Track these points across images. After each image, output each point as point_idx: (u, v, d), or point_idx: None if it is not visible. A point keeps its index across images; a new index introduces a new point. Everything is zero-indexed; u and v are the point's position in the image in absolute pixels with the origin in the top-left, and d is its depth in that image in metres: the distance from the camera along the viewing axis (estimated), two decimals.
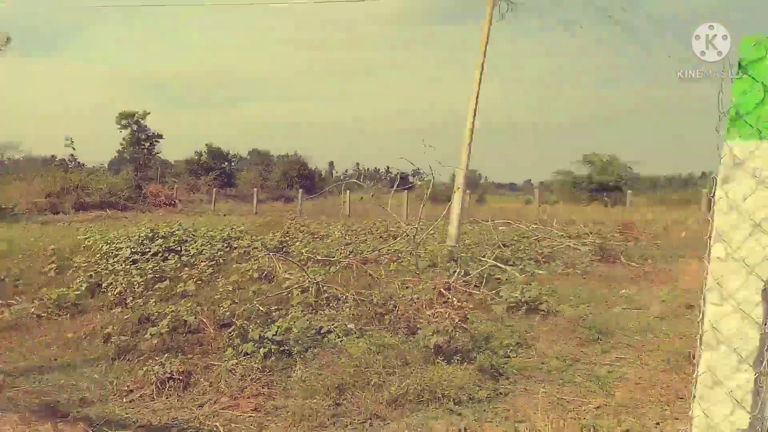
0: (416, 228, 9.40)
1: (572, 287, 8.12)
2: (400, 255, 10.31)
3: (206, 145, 54.52)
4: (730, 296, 1.65)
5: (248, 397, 4.27)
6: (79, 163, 39.80)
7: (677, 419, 3.33)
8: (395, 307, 6.47)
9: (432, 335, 5.15)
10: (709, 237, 1.71)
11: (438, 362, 4.81)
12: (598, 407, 3.75)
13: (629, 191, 28.67)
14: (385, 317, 6.19)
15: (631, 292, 8.10)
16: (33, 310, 6.56)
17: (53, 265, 8.89)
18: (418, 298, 6.61)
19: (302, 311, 6.22)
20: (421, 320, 5.90)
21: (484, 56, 11.85)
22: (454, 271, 8.40)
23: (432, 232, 12.48)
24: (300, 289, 7.26)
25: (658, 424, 3.42)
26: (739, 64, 1.62)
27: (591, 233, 13.56)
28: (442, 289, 7.13)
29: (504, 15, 11.82)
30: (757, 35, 1.60)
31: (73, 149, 38.56)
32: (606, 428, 3.42)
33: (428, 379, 4.35)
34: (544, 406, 3.86)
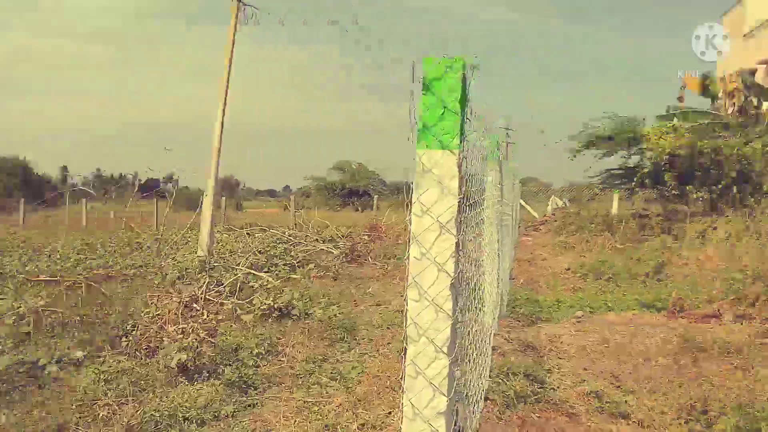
0: (160, 238, 8.76)
1: (324, 289, 8.45)
2: (144, 269, 9.52)
3: None
4: (426, 292, 1.82)
5: None
6: None
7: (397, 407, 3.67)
8: (135, 327, 5.92)
9: (175, 353, 4.83)
10: (408, 240, 1.87)
11: (182, 382, 4.54)
12: (339, 405, 3.93)
13: (376, 196, 31.18)
14: (121, 340, 5.62)
15: (376, 289, 8.77)
16: None
17: None
18: (161, 315, 6.15)
19: (13, 343, 5.28)
20: (164, 339, 5.50)
21: (230, 61, 11.68)
22: (205, 282, 8.07)
23: (184, 242, 11.83)
24: (14, 317, 6.16)
25: (389, 413, 3.72)
26: (423, 82, 1.82)
27: (342, 236, 14.32)
28: (189, 303, 6.78)
29: (249, 20, 11.81)
30: (436, 57, 1.81)
31: None
32: (344, 424, 3.60)
33: (168, 402, 4.06)
34: (289, 411, 3.91)
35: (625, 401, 3.97)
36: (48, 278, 8.25)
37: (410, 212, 1.86)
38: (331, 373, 4.68)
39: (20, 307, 6.37)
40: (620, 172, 17.49)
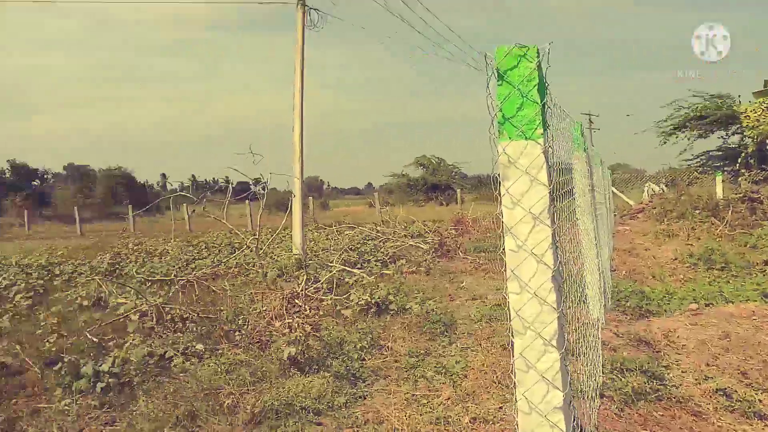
0: (258, 239, 9.21)
1: (417, 284, 8.53)
2: (246, 268, 10.04)
3: (8, 161, 48.15)
4: (527, 285, 1.79)
5: None
6: None
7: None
8: (245, 322, 6.29)
9: (285, 347, 5.08)
10: (502, 232, 1.84)
11: (294, 374, 4.77)
12: (447, 398, 3.98)
13: (459, 189, 30.97)
14: (235, 334, 5.98)
15: (470, 283, 8.75)
16: None
17: None
18: (267, 311, 6.48)
19: (141, 338, 5.76)
20: (272, 333, 5.80)
21: (302, 64, 12.08)
22: (303, 279, 8.39)
23: (279, 241, 12.33)
24: (138, 314, 6.72)
25: (500, 408, 3.72)
26: (497, 72, 1.79)
27: (430, 231, 14.38)
28: (291, 299, 7.08)
29: (315, 24, 12.15)
30: (508, 46, 1.78)
31: None
32: (455, 418, 3.64)
33: (285, 392, 4.28)
34: (399, 404, 4.01)
35: (759, 400, 3.73)
36: (164, 278, 8.90)
37: (500, 204, 1.83)
38: (436, 366, 4.74)
39: (143, 304, 6.94)
40: (720, 153, 16.32)
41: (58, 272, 10.47)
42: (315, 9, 12.09)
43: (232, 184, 10.06)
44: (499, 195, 1.84)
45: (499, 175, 1.85)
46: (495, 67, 1.79)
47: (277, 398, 4.15)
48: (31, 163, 50.55)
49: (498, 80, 1.80)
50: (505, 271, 1.81)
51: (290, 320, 5.95)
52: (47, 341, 5.81)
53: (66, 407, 4.35)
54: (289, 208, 11.85)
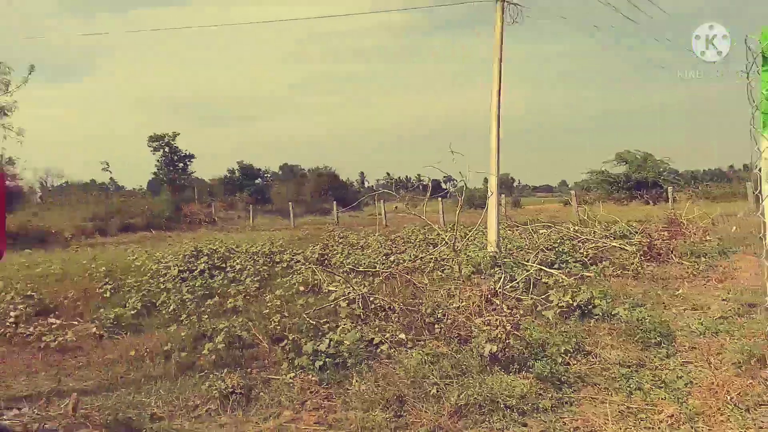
0: (455, 235, 9.34)
1: (624, 289, 7.93)
2: (442, 263, 10.28)
3: (237, 162, 55.55)
4: None
5: (310, 411, 4.29)
6: (118, 186, 41.03)
7: (762, 429, 3.19)
8: (444, 315, 6.45)
9: (485, 343, 5.09)
10: (763, 235, 1.63)
11: (495, 371, 4.76)
12: (671, 416, 3.63)
13: (670, 187, 27.93)
14: (435, 327, 6.17)
15: (688, 291, 7.87)
16: (94, 330, 6.75)
17: (108, 286, 9.15)
18: (466, 306, 6.55)
19: (351, 323, 6.24)
20: (471, 328, 5.86)
21: (500, 62, 11.87)
22: (500, 277, 8.31)
23: (472, 238, 12.40)
24: (346, 301, 7.29)
25: None
26: (764, 56, 1.55)
27: (637, 232, 13.24)
28: (489, 296, 7.06)
29: (515, 19, 11.81)
30: None
31: (110, 173, 39.91)
32: None
33: (488, 388, 4.30)
34: (613, 415, 3.77)
35: None
36: (368, 270, 9.53)
37: (762, 204, 1.61)
38: (652, 379, 4.36)
39: (350, 293, 7.51)
40: None
41: (278, 260, 11.82)
42: (515, 3, 11.87)
43: (429, 181, 10.36)
44: (761, 194, 1.64)
45: (760, 170, 1.65)
46: (760, 50, 1.59)
47: (480, 393, 4.19)
48: (255, 163, 57.85)
49: (763, 65, 1.59)
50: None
51: (490, 317, 5.96)
52: (272, 320, 6.60)
53: (291, 380, 4.90)
54: (486, 204, 11.81)
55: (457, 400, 4.10)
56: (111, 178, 39.81)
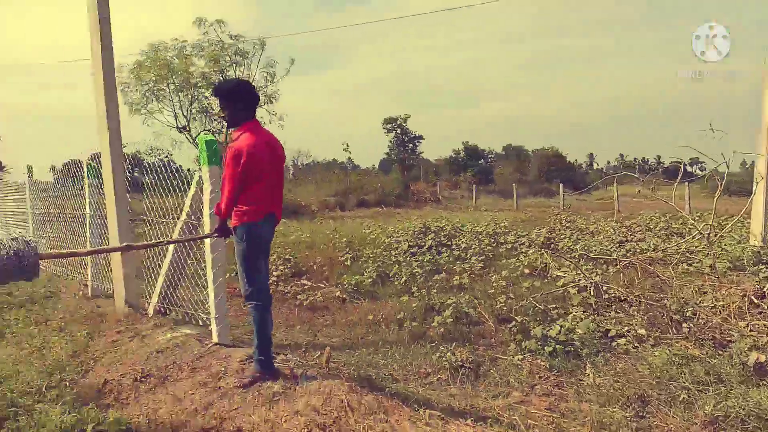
0: (711, 225, 8.16)
1: None
2: (689, 255, 9.12)
3: (462, 143, 56.46)
4: None
5: (540, 395, 4.19)
6: (355, 165, 44.91)
7: None
8: (695, 314, 5.71)
9: (750, 351, 4.38)
10: None
11: (761, 383, 4.07)
12: None
13: None
14: (683, 325, 5.50)
15: None
16: (338, 293, 7.53)
17: (348, 255, 10.12)
18: (723, 306, 5.72)
19: (584, 312, 5.90)
20: (730, 332, 5.09)
21: None
22: (765, 276, 7.07)
23: (730, 229, 10.78)
24: (576, 288, 6.92)
25: None
26: None
27: None
28: (754, 297, 6.06)
29: None
30: None
31: (350, 153, 43.65)
32: None
33: (753, 402, 3.69)
34: None
35: None
36: (601, 256, 8.92)
37: None
38: None
39: (581, 280, 7.11)
40: None
41: (502, 241, 11.76)
42: None
43: (682, 164, 9.18)
44: None
45: None
46: None
47: (743, 407, 3.62)
48: (480, 144, 58.25)
49: None
50: None
51: (755, 321, 5.12)
52: (498, 300, 6.59)
53: (518, 362, 4.84)
54: (754, 191, 10.12)
55: (713, 410, 3.61)
56: (349, 158, 43.83)
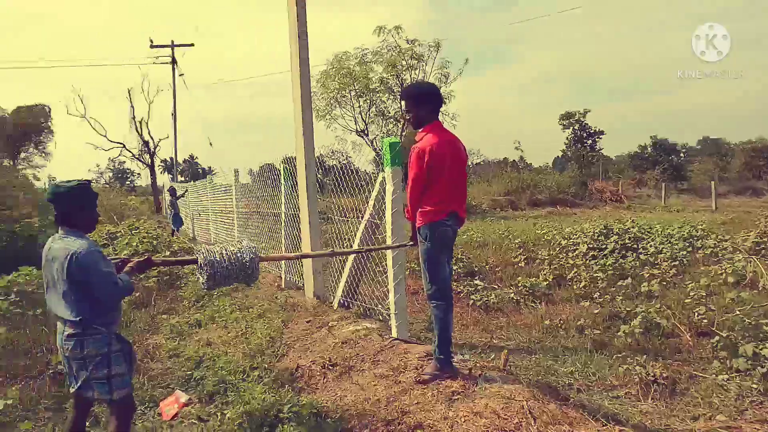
0: None
1: None
2: None
3: (650, 137, 51.65)
4: None
5: (751, 422, 3.66)
6: (527, 163, 43.54)
7: None
8: None
9: None
10: None
11: None
12: None
13: None
14: None
15: None
16: (512, 295, 7.38)
17: (522, 256, 9.86)
18: None
19: None
20: None
21: None
22: None
23: None
24: None
25: None
26: None
27: None
28: None
29: None
30: None
31: (521, 151, 42.37)
32: None
33: None
34: None
35: None
36: None
37: None
38: None
39: None
40: None
41: (699, 245, 10.53)
42: None
43: None
44: None
45: None
46: None
47: None
48: (670, 138, 52.85)
49: None
50: None
51: None
52: (695, 312, 5.89)
53: (724, 382, 4.28)
54: None
55: None
56: (521, 156, 42.53)
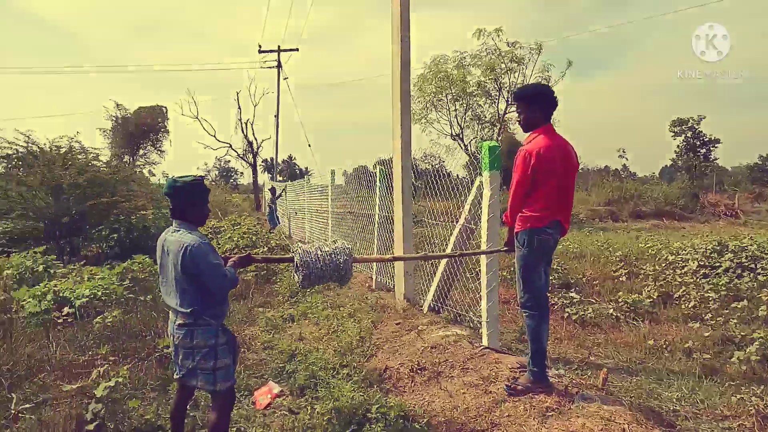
0: None
1: None
2: None
3: None
4: None
5: None
6: (630, 172, 41.20)
7: None
8: None
9: None
10: None
11: None
12: None
13: None
14: None
15: None
16: (611, 311, 6.99)
17: (623, 270, 9.33)
18: None
19: None
20: None
21: None
22: None
23: None
24: None
25: None
26: None
27: None
28: None
29: None
30: None
31: (625, 159, 40.12)
32: None
33: None
34: None
35: None
36: None
37: None
38: None
39: None
40: None
41: None
42: None
43: None
44: None
45: None
46: None
47: None
48: None
49: None
50: None
51: None
52: None
53: None
54: None
55: None
56: (624, 165, 40.33)
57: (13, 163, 12.42)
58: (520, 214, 3.80)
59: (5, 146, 11.90)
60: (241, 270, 8.28)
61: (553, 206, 3.75)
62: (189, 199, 3.15)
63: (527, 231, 3.77)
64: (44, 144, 12.21)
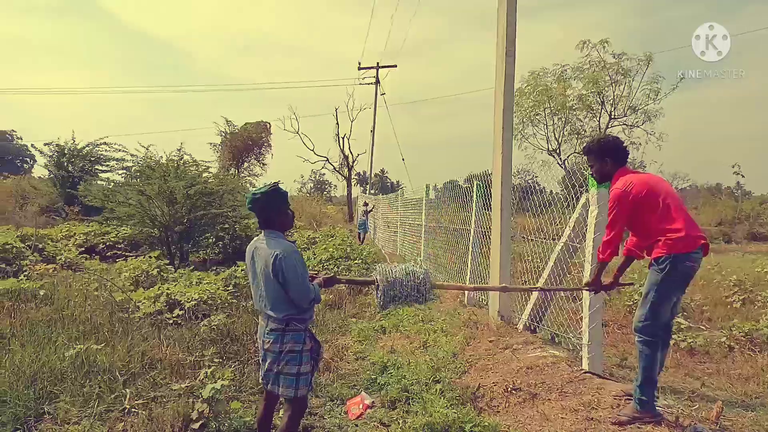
0: None
1: None
2: None
3: None
4: None
5: None
6: (746, 191, 38.05)
7: None
8: None
9: None
10: None
11: None
12: None
13: None
14: None
15: None
16: (723, 339, 6.48)
17: (738, 297, 8.62)
18: None
19: None
20: None
21: None
22: None
23: None
24: None
25: None
26: None
27: None
28: None
29: None
30: None
31: (741, 176, 37.05)
32: None
33: None
34: None
35: None
36: None
37: None
38: None
39: None
40: None
41: None
42: None
43: None
44: None
45: None
46: None
47: None
48: None
49: None
50: None
51: None
52: None
53: None
54: None
55: None
56: (738, 183, 37.17)
57: (133, 173, 13.57)
58: (664, 238, 3.55)
59: (128, 158, 13.03)
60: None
61: (690, 224, 3.56)
62: (271, 207, 3.21)
63: (673, 256, 3.53)
64: (161, 157, 13.25)
